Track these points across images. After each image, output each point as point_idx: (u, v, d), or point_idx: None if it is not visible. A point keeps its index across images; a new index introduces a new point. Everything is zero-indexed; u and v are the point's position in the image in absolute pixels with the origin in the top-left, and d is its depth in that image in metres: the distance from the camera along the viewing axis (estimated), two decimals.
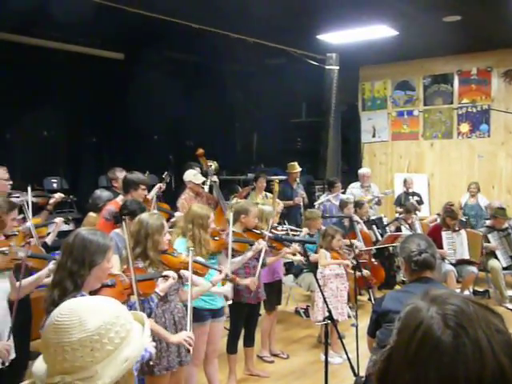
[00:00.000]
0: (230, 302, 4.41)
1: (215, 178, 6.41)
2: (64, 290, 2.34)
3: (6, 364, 3.02)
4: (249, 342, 4.88)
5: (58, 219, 4.40)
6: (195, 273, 3.41)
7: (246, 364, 4.96)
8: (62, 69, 7.95)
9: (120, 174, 5.51)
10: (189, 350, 3.19)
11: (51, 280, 2.42)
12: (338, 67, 9.28)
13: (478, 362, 0.91)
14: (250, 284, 4.41)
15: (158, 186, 5.35)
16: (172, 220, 5.16)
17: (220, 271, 3.73)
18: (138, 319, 1.38)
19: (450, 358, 0.92)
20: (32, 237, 3.95)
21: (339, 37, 8.26)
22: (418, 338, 0.96)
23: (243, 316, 4.66)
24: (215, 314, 4.06)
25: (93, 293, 2.48)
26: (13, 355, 3.09)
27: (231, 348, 4.66)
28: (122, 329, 1.28)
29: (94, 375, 1.22)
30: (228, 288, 4.00)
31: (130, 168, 5.33)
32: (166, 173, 5.86)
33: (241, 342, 4.81)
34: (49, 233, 4.35)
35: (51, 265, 3.32)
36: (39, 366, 1.29)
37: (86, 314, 1.26)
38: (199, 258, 3.63)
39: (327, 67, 9.31)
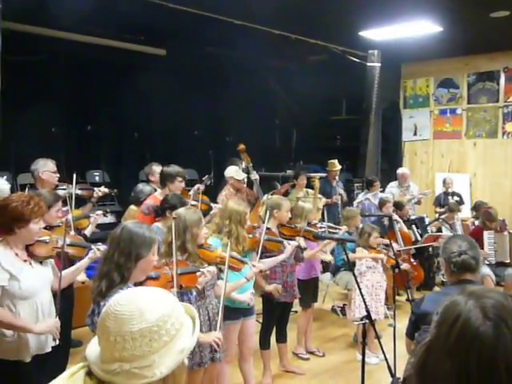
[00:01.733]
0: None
1: (256, 175, 6.44)
2: (111, 282, 2.39)
3: (57, 342, 3.10)
4: (281, 338, 4.88)
5: (98, 212, 4.49)
6: (231, 267, 3.43)
7: (280, 360, 4.97)
8: (104, 65, 8.11)
9: (157, 168, 5.58)
10: (215, 350, 3.23)
11: (98, 271, 2.48)
12: (379, 64, 9.19)
13: None
14: (274, 291, 4.39)
15: (197, 186, 5.39)
16: (211, 212, 5.21)
17: (254, 266, 3.74)
18: (189, 312, 1.41)
19: (490, 348, 0.96)
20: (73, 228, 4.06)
21: (381, 33, 8.15)
22: (457, 329, 1.01)
23: (276, 312, 4.67)
24: (247, 311, 4.06)
25: (138, 285, 2.54)
26: (56, 342, 3.17)
27: (264, 344, 4.67)
28: (177, 321, 1.33)
29: (151, 364, 1.27)
30: (249, 295, 3.98)
31: (171, 163, 5.40)
32: (206, 176, 5.93)
33: (273, 339, 4.82)
34: (89, 224, 4.45)
35: (90, 253, 3.40)
36: (93, 350, 1.34)
37: (145, 305, 1.31)
38: (235, 253, 3.65)
39: (369, 64, 9.22)
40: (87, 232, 4.33)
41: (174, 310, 1.34)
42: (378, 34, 8.17)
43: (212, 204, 5.40)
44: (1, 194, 3.88)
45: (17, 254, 3.02)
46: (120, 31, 8.23)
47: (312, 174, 7.78)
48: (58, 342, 3.12)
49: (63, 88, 8.08)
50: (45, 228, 3.51)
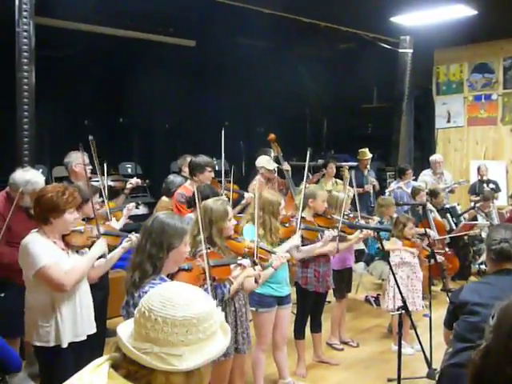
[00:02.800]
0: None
1: (288, 166, 6.40)
2: (144, 273, 2.40)
3: (94, 330, 3.18)
4: (315, 328, 4.86)
5: (130, 204, 4.52)
6: (261, 258, 3.41)
7: (314, 351, 4.95)
8: (135, 57, 8.17)
9: (189, 159, 5.59)
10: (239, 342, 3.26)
11: (131, 262, 2.49)
12: (411, 50, 9.01)
13: None
14: (332, 251, 4.34)
15: (227, 180, 5.38)
16: (242, 202, 5.20)
17: (282, 257, 3.71)
18: (223, 327, 1.43)
19: None
20: (108, 219, 4.10)
21: (413, 18, 7.97)
22: None
23: (310, 302, 4.64)
24: (281, 300, 4.05)
25: (170, 276, 2.54)
26: (93, 330, 3.22)
27: (298, 334, 4.66)
28: (213, 325, 1.37)
29: (181, 355, 1.29)
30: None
31: (202, 154, 5.41)
32: (232, 167, 5.93)
33: (308, 329, 4.80)
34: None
35: (124, 243, 3.44)
36: (126, 330, 1.37)
37: (193, 297, 1.36)
38: (263, 244, 3.62)
39: (400, 50, 9.05)
40: (119, 224, 4.36)
41: (215, 314, 1.39)
42: (409, 19, 8.00)
43: (243, 192, 5.40)
44: (36, 187, 3.94)
45: (55, 243, 3.08)
46: (149, 24, 8.27)
47: (342, 164, 7.68)
48: (94, 329, 3.18)
49: (95, 81, 8.17)
50: (82, 220, 3.58)
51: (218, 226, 3.29)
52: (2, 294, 3.95)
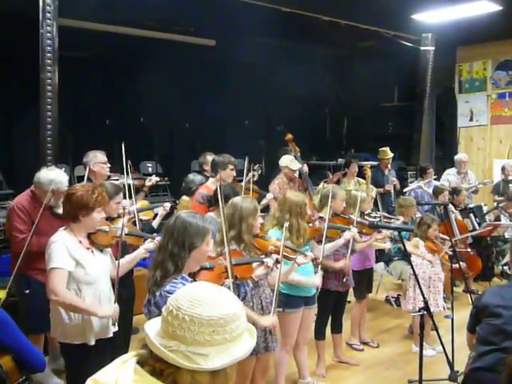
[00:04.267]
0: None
1: (305, 167, 6.37)
2: (166, 272, 2.40)
3: (116, 328, 3.20)
4: (336, 328, 4.85)
5: (166, 204, 4.50)
6: (285, 257, 3.41)
7: (334, 351, 4.93)
8: (155, 57, 8.21)
9: (210, 158, 5.61)
10: (270, 331, 3.23)
11: (153, 260, 2.50)
12: (433, 48, 8.92)
13: None
14: (344, 267, 4.36)
15: (251, 175, 5.39)
16: (263, 202, 5.19)
17: (306, 255, 3.70)
18: (250, 330, 1.44)
19: None
20: (136, 219, 4.12)
21: (436, 15, 7.88)
22: None
23: (331, 303, 4.63)
24: (308, 300, 4.05)
25: (192, 275, 2.55)
26: (116, 328, 3.25)
27: (319, 334, 4.65)
28: (240, 327, 1.38)
29: (207, 355, 1.31)
30: (318, 277, 3.96)
31: (222, 153, 5.42)
32: (257, 165, 5.92)
33: (328, 329, 4.79)
34: (156, 215, 4.50)
35: (147, 243, 3.47)
36: (153, 328, 1.38)
37: (221, 298, 1.37)
38: (289, 243, 3.62)
39: (422, 48, 8.96)
40: (155, 224, 4.37)
41: (242, 316, 1.40)
42: (431, 16, 7.91)
43: (264, 192, 5.40)
44: (60, 186, 3.99)
45: (80, 242, 3.13)
46: (169, 23, 8.30)
47: (363, 163, 7.63)
48: (116, 327, 3.21)
49: (116, 81, 8.23)
50: (106, 219, 3.61)
51: (247, 222, 3.30)
52: (27, 291, 4.02)
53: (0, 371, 2.28)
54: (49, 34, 5.08)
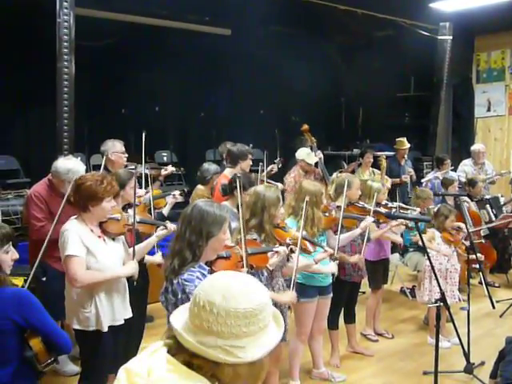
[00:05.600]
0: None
1: (320, 154, 6.35)
2: (183, 260, 2.41)
3: (129, 315, 3.26)
4: (349, 318, 4.84)
5: (175, 192, 4.53)
6: (303, 250, 3.40)
7: (349, 341, 4.93)
8: (170, 46, 8.21)
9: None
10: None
11: (170, 249, 2.51)
12: (451, 37, 8.82)
13: None
14: (358, 261, 4.36)
15: (271, 167, 5.38)
16: None
17: (325, 250, 3.70)
18: (275, 315, 1.44)
19: None
20: (151, 207, 4.13)
21: (453, 4, 7.78)
22: None
23: (345, 293, 4.62)
24: (323, 290, 4.05)
25: (209, 264, 2.55)
26: (130, 314, 3.28)
27: (332, 324, 4.64)
28: (270, 313, 1.38)
29: (244, 346, 1.30)
30: (334, 265, 3.96)
31: (237, 142, 5.42)
32: (278, 158, 5.91)
33: (341, 319, 4.78)
34: (166, 203, 4.51)
35: (159, 231, 3.47)
36: (180, 321, 1.37)
37: (251, 287, 1.36)
38: (308, 236, 3.61)
39: (439, 37, 8.86)
40: (165, 211, 4.39)
41: (269, 303, 1.39)
42: (449, 5, 7.82)
43: (274, 184, 5.38)
44: (77, 176, 4.00)
45: (92, 231, 3.14)
46: (185, 12, 8.29)
47: (379, 153, 7.58)
48: (130, 313, 3.24)
49: (131, 70, 8.25)
50: (124, 207, 3.62)
51: (269, 212, 3.29)
52: (44, 278, 4.06)
53: (30, 353, 2.32)
54: (66, 24, 5.10)
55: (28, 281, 2.77)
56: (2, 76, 7.43)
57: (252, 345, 1.31)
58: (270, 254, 3.09)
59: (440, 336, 4.67)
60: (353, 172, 6.88)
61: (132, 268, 3.20)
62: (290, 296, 3.24)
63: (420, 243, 4.85)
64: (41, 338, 2.36)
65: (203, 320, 1.31)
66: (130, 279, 3.28)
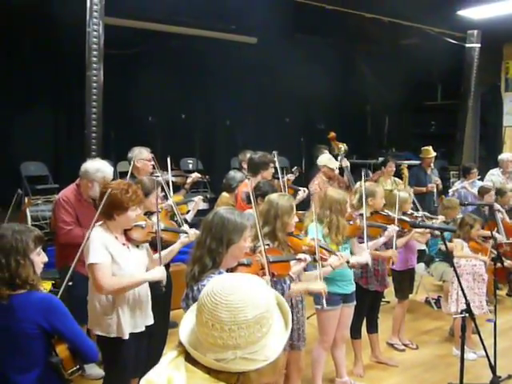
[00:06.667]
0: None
1: (346, 162, 6.33)
2: (203, 267, 2.43)
3: (151, 322, 3.27)
4: (372, 328, 4.79)
5: (197, 198, 4.55)
6: (321, 258, 3.38)
7: (372, 351, 4.88)
8: (197, 54, 8.31)
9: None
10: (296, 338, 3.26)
11: (191, 255, 2.53)
12: (479, 45, 8.70)
13: None
14: (393, 255, 4.32)
15: (287, 178, 5.36)
16: (298, 198, 5.17)
17: (342, 256, 3.66)
18: (277, 298, 1.43)
19: None
20: (176, 213, 4.14)
21: (482, 11, 7.68)
22: None
23: (368, 302, 4.58)
24: (346, 298, 4.03)
25: (229, 271, 2.56)
26: (151, 321, 3.30)
27: (355, 333, 4.59)
28: (273, 305, 1.38)
29: (262, 348, 1.31)
30: (366, 254, 3.92)
31: (263, 150, 5.43)
32: (296, 167, 5.90)
33: (364, 329, 4.74)
34: (188, 211, 4.54)
35: (183, 238, 3.49)
36: (190, 338, 1.36)
37: (253, 292, 1.33)
38: (323, 243, 3.60)
39: (467, 45, 8.76)
40: (188, 218, 4.40)
41: (270, 295, 1.38)
42: (477, 12, 7.72)
43: (298, 188, 5.38)
44: (105, 175, 4.07)
45: (116, 238, 3.16)
46: (211, 21, 8.37)
47: (401, 162, 7.51)
48: (152, 320, 3.26)
49: (158, 78, 8.36)
50: (145, 214, 3.65)
51: (282, 220, 3.29)
52: (71, 283, 4.11)
53: (56, 359, 2.32)
54: (95, 33, 5.20)
55: (62, 289, 2.76)
56: (32, 84, 7.62)
57: (270, 343, 1.31)
58: (292, 262, 3.09)
59: (465, 347, 4.61)
60: (377, 181, 6.83)
61: (160, 272, 3.18)
62: (320, 284, 3.23)
63: (450, 252, 4.82)
64: (67, 345, 2.37)
65: (217, 338, 1.29)
66: (157, 285, 3.30)
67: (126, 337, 3.11)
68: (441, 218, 5.25)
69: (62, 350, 2.34)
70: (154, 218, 3.47)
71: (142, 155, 4.76)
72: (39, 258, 2.43)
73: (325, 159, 6.07)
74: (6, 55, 7.30)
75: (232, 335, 1.28)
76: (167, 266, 4.08)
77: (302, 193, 5.31)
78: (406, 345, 5.23)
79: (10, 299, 2.25)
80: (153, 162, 4.84)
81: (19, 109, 7.49)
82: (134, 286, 3.13)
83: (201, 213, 4.55)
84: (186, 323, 1.41)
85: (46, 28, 6.85)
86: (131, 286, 3.11)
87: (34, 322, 2.26)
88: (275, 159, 5.16)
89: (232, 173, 5.49)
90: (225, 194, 5.38)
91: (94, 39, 5.24)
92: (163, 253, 3.46)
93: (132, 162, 4.70)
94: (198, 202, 4.47)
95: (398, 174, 7.12)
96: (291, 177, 5.63)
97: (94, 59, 5.29)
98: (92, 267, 3.03)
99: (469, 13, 7.76)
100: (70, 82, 7.23)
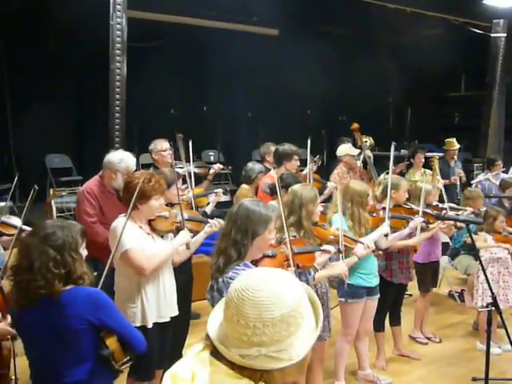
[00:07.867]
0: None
1: (369, 153, 6.29)
2: (228, 258, 2.44)
3: (176, 313, 3.31)
4: (394, 321, 4.77)
5: (218, 190, 4.57)
6: (344, 247, 3.39)
7: (395, 344, 4.85)
8: (218, 47, 8.30)
9: (273, 148, 5.61)
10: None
11: (216, 247, 2.54)
12: (505, 34, 8.56)
13: None
14: (417, 243, 4.31)
15: (311, 165, 5.35)
16: (326, 192, 5.16)
17: (367, 246, 3.66)
18: (310, 296, 1.40)
19: None
20: (193, 205, 4.17)
21: (508, 0, 7.54)
22: None
23: (392, 294, 4.56)
24: (371, 291, 4.02)
25: (254, 262, 2.57)
26: (176, 312, 3.34)
27: (378, 326, 4.57)
28: (305, 303, 1.34)
29: (289, 347, 1.28)
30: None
31: (284, 142, 5.42)
32: (318, 156, 5.88)
33: (387, 322, 4.72)
34: (208, 203, 4.56)
35: (207, 228, 3.51)
36: (218, 333, 1.35)
37: (282, 289, 1.30)
38: (348, 232, 3.60)
39: (493, 35, 8.61)
40: (208, 210, 4.43)
41: (303, 292, 1.35)
42: (503, 1, 7.58)
43: (326, 182, 5.37)
44: (129, 165, 4.09)
45: (141, 227, 3.20)
46: (233, 13, 8.37)
47: (430, 154, 7.43)
48: (177, 311, 3.29)
49: (181, 71, 8.40)
50: (166, 205, 3.67)
51: (307, 208, 3.31)
52: (95, 273, 4.17)
53: (107, 351, 2.34)
54: (118, 26, 5.26)
55: (100, 283, 2.77)
56: (57, 77, 7.71)
57: (296, 343, 1.28)
58: (317, 253, 3.09)
59: (491, 342, 4.56)
60: (400, 173, 6.77)
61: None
62: (340, 268, 3.26)
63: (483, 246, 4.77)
64: (116, 337, 2.39)
65: (241, 334, 1.27)
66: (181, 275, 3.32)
67: (150, 325, 3.15)
68: (469, 209, 5.18)
69: (112, 342, 2.36)
70: (176, 209, 3.50)
71: (157, 147, 4.79)
72: (85, 252, 2.47)
73: (345, 148, 6.05)
74: (31, 49, 7.38)
75: (256, 332, 1.26)
76: (189, 259, 4.13)
77: (329, 186, 5.30)
78: (429, 338, 5.20)
79: (60, 296, 2.27)
80: (170, 152, 4.85)
81: (44, 102, 7.59)
82: (169, 257, 3.27)
83: (222, 205, 4.56)
84: (215, 317, 1.39)
85: (71, 22, 6.91)
86: (167, 258, 3.23)
87: (83, 317, 2.28)
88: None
89: (250, 164, 5.49)
90: (244, 186, 5.38)
91: (118, 32, 5.29)
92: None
93: (153, 154, 4.75)
94: (218, 195, 4.48)
95: (427, 165, 7.03)
96: (314, 166, 5.61)
97: (118, 52, 5.34)
98: (127, 253, 3.06)
99: (494, 2, 7.63)
100: (93, 75, 7.28)
